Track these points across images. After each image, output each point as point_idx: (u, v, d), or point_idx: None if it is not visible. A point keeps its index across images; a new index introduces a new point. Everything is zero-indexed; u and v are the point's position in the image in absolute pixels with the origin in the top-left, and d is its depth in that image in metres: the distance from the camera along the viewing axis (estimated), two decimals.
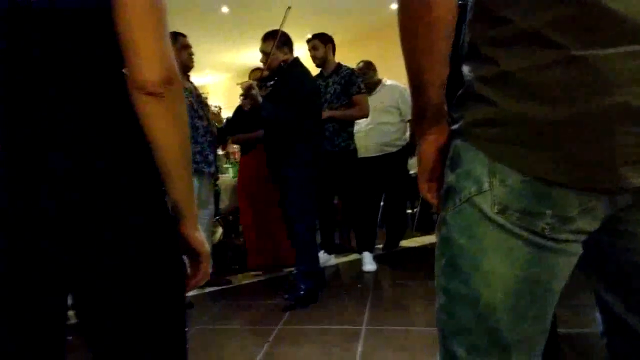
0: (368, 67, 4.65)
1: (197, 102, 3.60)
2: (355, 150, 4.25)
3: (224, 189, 4.57)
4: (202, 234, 0.99)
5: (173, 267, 0.92)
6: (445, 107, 0.89)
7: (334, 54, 4.23)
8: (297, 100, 3.30)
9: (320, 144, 3.65)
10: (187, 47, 3.57)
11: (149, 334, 0.88)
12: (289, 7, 3.46)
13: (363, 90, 4.15)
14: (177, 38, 3.55)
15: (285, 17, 3.47)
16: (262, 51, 3.57)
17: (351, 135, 4.21)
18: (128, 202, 0.84)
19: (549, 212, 0.76)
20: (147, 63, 0.81)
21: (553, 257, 0.79)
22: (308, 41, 4.14)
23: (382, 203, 5.08)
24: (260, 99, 3.43)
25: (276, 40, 3.46)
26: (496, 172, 0.78)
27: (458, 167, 0.84)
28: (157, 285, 0.88)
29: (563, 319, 1.83)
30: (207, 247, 1.00)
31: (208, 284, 3.85)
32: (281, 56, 3.50)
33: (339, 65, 4.18)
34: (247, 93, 3.46)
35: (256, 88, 3.46)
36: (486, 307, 0.81)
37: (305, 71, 3.58)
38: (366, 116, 4.25)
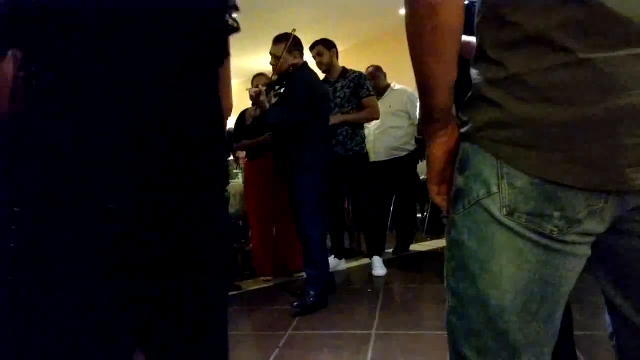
0: (377, 72, 4.67)
1: None
2: (367, 154, 4.27)
3: (233, 194, 4.59)
4: None
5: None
6: (454, 110, 0.90)
7: (337, 59, 4.25)
8: (305, 105, 3.31)
9: (329, 149, 3.66)
10: None
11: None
12: (294, 30, 3.49)
13: (372, 93, 4.17)
14: None
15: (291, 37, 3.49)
16: (273, 54, 3.56)
17: (363, 139, 4.22)
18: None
19: (557, 214, 0.76)
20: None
21: (561, 259, 0.79)
22: (311, 48, 4.14)
23: (392, 207, 5.08)
24: (267, 105, 3.43)
25: (288, 44, 3.46)
26: (504, 174, 0.78)
27: (467, 170, 0.84)
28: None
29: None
30: None
31: None
32: (291, 60, 3.50)
33: (345, 69, 4.20)
34: (256, 100, 3.45)
35: (264, 94, 3.45)
36: (495, 309, 0.81)
37: (314, 76, 3.58)
38: (377, 118, 4.28)
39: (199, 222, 0.94)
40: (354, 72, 4.18)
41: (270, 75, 3.74)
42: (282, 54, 3.45)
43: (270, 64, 3.62)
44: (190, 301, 0.95)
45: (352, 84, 4.09)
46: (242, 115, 4.41)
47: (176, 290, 0.93)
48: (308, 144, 3.37)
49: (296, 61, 3.52)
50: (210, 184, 0.97)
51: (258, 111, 3.87)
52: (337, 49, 4.22)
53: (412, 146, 4.68)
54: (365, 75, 4.23)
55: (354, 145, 4.10)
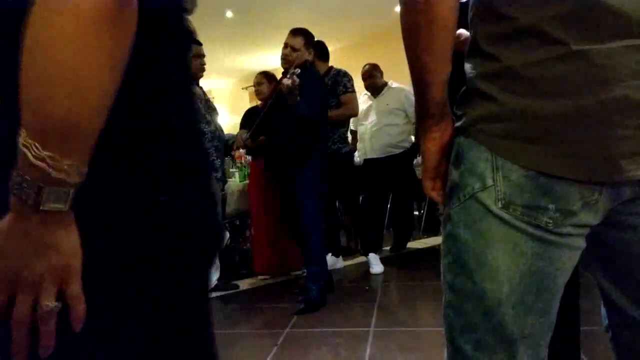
0: (374, 70, 4.67)
1: (204, 107, 3.60)
2: (348, 153, 4.24)
3: (230, 193, 4.58)
4: None
5: None
6: (448, 105, 0.90)
7: (324, 59, 4.22)
8: (320, 101, 3.33)
9: (327, 148, 3.68)
10: (201, 56, 3.57)
11: None
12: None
13: (350, 90, 4.14)
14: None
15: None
16: (291, 45, 3.49)
17: (343, 138, 4.19)
18: None
19: (551, 206, 0.76)
20: None
21: (557, 251, 0.79)
22: None
23: (389, 205, 5.09)
24: (297, 98, 3.29)
25: (305, 39, 3.48)
26: (499, 167, 0.79)
27: (461, 164, 0.84)
28: None
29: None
30: None
31: (215, 289, 3.87)
32: (306, 55, 3.49)
33: (330, 68, 4.20)
34: (292, 91, 3.23)
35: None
36: (492, 302, 0.81)
37: (320, 76, 3.60)
38: (355, 115, 4.28)
39: None
40: (336, 69, 4.18)
41: (282, 69, 3.63)
42: (300, 47, 3.44)
43: (285, 54, 3.53)
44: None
45: (330, 82, 4.09)
46: (247, 114, 4.40)
47: None
48: (318, 144, 3.39)
49: (310, 57, 3.53)
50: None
51: (247, 136, 3.87)
52: (320, 49, 4.15)
53: (408, 143, 4.69)
54: (344, 73, 4.19)
55: (331, 143, 4.04)
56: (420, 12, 0.78)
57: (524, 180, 0.77)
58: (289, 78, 3.27)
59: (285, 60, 3.53)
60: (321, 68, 4.14)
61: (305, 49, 3.48)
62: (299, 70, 3.45)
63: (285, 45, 3.53)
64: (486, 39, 0.80)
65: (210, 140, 3.56)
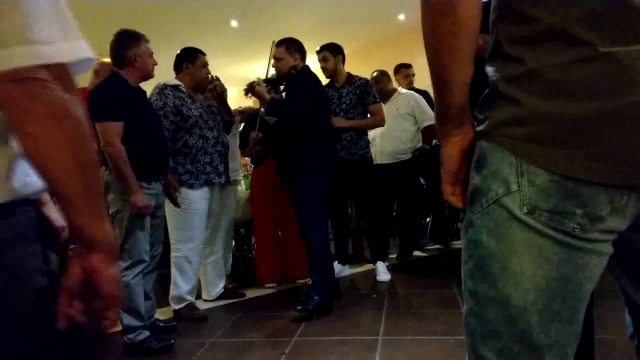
0: (381, 76, 4.70)
1: (207, 112, 3.62)
2: (371, 158, 4.29)
3: (236, 201, 4.56)
4: None
5: None
6: (469, 109, 0.88)
7: (344, 65, 4.24)
8: (306, 102, 3.33)
9: (333, 152, 3.66)
10: (206, 65, 3.67)
11: None
12: (274, 41, 3.63)
13: (378, 100, 4.20)
14: (198, 56, 3.62)
15: (271, 51, 3.64)
16: (274, 57, 3.60)
17: (368, 143, 4.24)
18: None
19: (579, 211, 0.75)
20: None
21: (583, 257, 0.78)
22: (318, 52, 4.15)
23: (394, 212, 5.07)
24: (267, 96, 3.47)
25: (286, 46, 3.52)
26: (524, 172, 0.77)
27: (484, 168, 0.83)
28: None
29: None
30: None
31: (222, 297, 3.85)
32: (291, 61, 3.52)
33: (350, 75, 4.20)
34: (250, 90, 3.53)
35: (262, 85, 3.48)
36: (516, 309, 0.80)
37: (316, 79, 3.60)
38: (383, 125, 4.31)
39: None
40: (360, 78, 4.19)
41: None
42: (284, 56, 3.51)
43: (272, 66, 3.66)
44: None
45: (357, 91, 4.10)
46: (249, 120, 4.41)
47: None
48: (309, 147, 3.38)
49: (296, 63, 3.54)
50: None
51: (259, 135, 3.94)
52: (343, 55, 4.22)
53: (416, 150, 4.69)
54: (371, 82, 4.25)
55: (359, 149, 4.12)
56: (443, 13, 0.76)
57: (550, 185, 0.75)
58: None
59: (275, 72, 3.66)
60: (343, 73, 4.19)
61: (290, 56, 3.53)
62: (265, 78, 3.66)
63: (273, 58, 3.64)
64: (509, 41, 0.79)
65: (214, 145, 3.57)
